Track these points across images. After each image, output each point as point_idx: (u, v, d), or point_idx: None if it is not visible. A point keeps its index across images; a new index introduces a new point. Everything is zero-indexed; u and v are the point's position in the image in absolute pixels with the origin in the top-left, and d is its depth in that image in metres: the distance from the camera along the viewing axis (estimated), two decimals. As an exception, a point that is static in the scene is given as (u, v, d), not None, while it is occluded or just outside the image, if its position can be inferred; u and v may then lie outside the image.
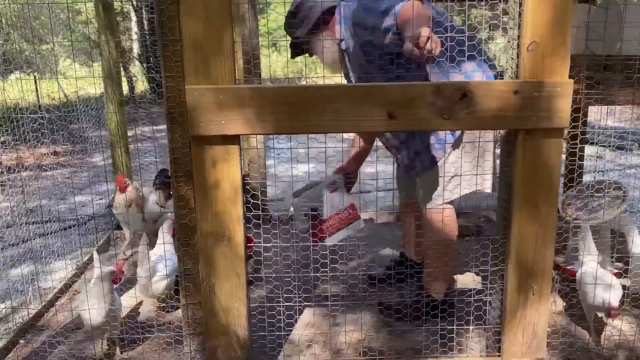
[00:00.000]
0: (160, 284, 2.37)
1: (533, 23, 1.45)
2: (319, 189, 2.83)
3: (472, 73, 2.02)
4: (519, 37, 1.55)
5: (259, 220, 3.27)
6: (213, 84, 1.41)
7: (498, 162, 1.94)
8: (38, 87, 4.91)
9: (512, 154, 1.59)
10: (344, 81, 2.39)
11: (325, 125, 1.48)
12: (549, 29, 1.45)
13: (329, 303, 2.51)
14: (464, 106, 1.43)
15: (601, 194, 2.62)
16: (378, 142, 2.60)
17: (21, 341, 2.31)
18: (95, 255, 2.25)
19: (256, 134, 1.54)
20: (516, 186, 1.58)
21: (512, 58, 1.59)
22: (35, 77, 4.67)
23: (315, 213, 2.87)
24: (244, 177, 2.71)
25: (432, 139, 2.18)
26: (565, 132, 3.09)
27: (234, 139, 1.47)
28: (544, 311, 1.69)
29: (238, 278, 1.58)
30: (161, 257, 2.43)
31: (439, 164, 2.21)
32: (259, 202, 2.27)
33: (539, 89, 1.45)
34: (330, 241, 2.86)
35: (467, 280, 2.75)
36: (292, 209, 3.07)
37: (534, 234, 1.62)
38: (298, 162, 2.23)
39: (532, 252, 1.63)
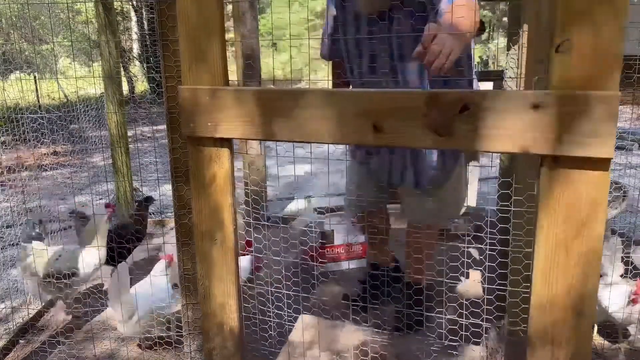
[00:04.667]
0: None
1: (567, 12, 1.04)
2: (339, 215, 2.94)
3: None
4: (519, 37, 1.54)
5: (259, 221, 3.28)
6: (203, 84, 1.40)
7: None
8: (38, 87, 4.92)
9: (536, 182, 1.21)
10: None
11: (309, 133, 1.31)
12: (593, 21, 1.03)
13: (327, 308, 2.52)
14: (465, 121, 1.14)
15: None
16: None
17: (21, 341, 2.31)
18: None
19: (244, 139, 1.47)
20: (541, 237, 1.14)
21: (512, 58, 1.58)
22: (35, 77, 4.67)
23: (324, 235, 2.94)
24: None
25: None
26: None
27: (223, 142, 1.44)
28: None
29: (231, 276, 1.56)
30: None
31: (456, 174, 2.10)
32: (259, 204, 2.27)
33: (571, 104, 1.07)
34: (331, 267, 2.94)
35: (466, 281, 2.75)
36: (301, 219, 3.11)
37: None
38: (296, 163, 2.23)
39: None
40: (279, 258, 2.28)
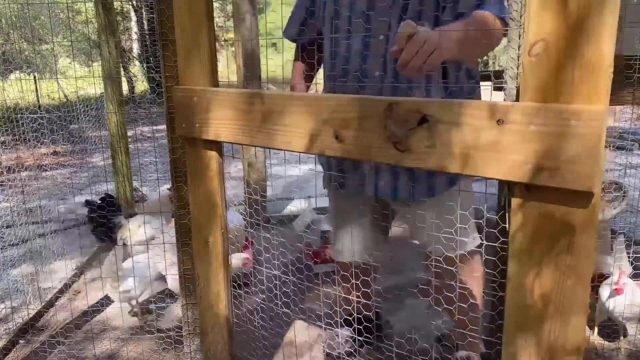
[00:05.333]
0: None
1: (543, 4, 0.83)
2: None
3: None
4: (519, 36, 1.52)
5: (258, 221, 3.27)
6: (193, 85, 1.40)
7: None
8: (38, 87, 4.92)
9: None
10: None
11: (278, 140, 1.22)
12: (573, 17, 0.80)
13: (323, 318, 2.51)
14: (424, 136, 0.98)
15: (602, 194, 2.61)
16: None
17: (21, 341, 2.31)
18: None
19: (222, 141, 1.41)
20: (511, 287, 0.93)
21: (512, 58, 1.56)
22: (35, 77, 4.67)
23: (325, 235, 2.96)
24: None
25: None
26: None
27: (211, 144, 1.43)
28: None
29: (220, 279, 1.56)
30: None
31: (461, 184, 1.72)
32: (258, 206, 2.27)
33: (543, 119, 0.84)
34: (331, 267, 2.95)
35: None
36: (302, 222, 3.12)
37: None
38: (296, 163, 2.22)
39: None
40: (274, 266, 2.27)
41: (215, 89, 1.35)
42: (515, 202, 0.90)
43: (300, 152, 1.20)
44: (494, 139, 0.89)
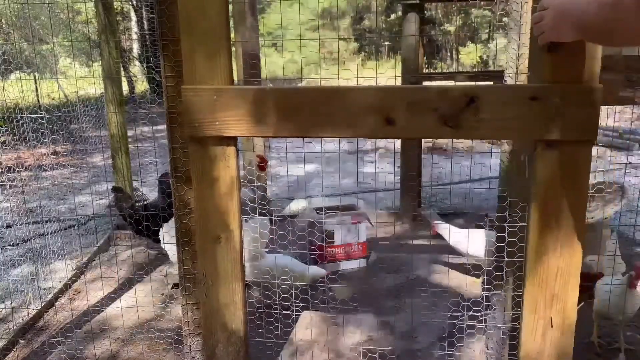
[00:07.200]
0: None
1: None
2: (339, 215, 2.99)
3: None
4: (519, 36, 1.54)
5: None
6: (209, 84, 1.40)
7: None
8: (38, 87, 4.92)
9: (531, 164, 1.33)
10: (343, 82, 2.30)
11: (318, 130, 1.38)
12: None
13: (329, 305, 2.51)
14: (472, 113, 1.28)
15: (601, 194, 2.61)
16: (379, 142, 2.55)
17: (21, 341, 2.31)
18: None
19: (251, 136, 1.48)
20: (535, 207, 1.31)
21: (512, 58, 1.59)
22: (35, 77, 4.67)
23: (324, 235, 2.98)
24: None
25: None
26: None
27: (230, 140, 1.44)
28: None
29: (236, 275, 1.56)
30: None
31: None
32: (258, 204, 2.27)
33: (562, 95, 1.22)
34: (333, 267, 2.98)
35: (462, 282, 2.75)
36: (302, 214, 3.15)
37: (554, 269, 1.32)
38: (298, 163, 2.21)
39: (552, 291, 1.34)
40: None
41: (246, 87, 1.40)
42: (538, 154, 1.28)
43: (350, 138, 1.38)
44: (527, 111, 1.26)
